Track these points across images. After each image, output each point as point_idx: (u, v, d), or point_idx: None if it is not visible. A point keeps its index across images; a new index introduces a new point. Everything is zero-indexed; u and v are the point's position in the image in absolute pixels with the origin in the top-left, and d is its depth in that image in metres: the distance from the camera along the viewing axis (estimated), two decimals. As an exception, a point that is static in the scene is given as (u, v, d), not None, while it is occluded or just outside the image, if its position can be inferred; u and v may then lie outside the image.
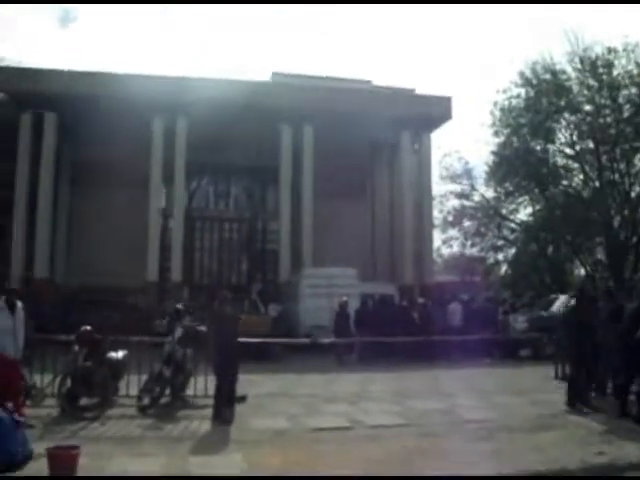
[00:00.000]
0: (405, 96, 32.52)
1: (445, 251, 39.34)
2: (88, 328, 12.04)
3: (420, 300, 23.48)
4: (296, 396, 13.67)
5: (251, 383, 14.16)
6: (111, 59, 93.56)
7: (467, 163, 37.68)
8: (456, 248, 37.81)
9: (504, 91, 34.47)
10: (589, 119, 34.03)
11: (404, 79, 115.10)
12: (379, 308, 22.34)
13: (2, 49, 31.99)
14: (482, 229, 36.72)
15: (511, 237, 37.07)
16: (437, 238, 36.86)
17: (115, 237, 31.82)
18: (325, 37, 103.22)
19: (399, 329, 20.03)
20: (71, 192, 34.06)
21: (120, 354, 12.47)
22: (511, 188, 35.44)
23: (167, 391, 11.97)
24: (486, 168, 36.22)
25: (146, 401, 11.64)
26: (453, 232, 37.11)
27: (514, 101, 34.54)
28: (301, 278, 25.47)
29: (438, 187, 44.13)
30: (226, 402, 10.96)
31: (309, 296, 24.35)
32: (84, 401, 11.35)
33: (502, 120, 34.85)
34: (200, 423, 10.70)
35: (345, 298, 21.61)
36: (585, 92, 34.14)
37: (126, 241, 31.00)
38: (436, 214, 35.99)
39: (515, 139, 34.62)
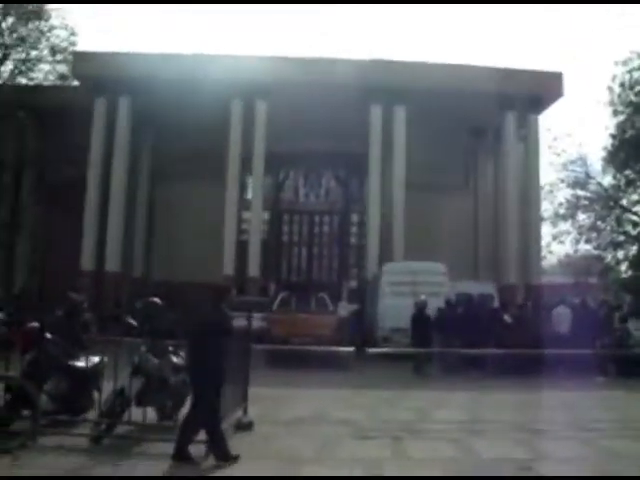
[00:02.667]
0: (508, 73, 27.94)
1: (556, 248, 33.82)
2: (33, 325, 8.83)
3: (517, 301, 18.95)
4: (329, 423, 10.01)
5: (286, 400, 11.58)
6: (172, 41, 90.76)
7: (581, 146, 32.45)
8: (568, 245, 32.17)
9: (624, 63, 29.07)
10: None
11: (503, 58, 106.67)
12: (464, 310, 18.05)
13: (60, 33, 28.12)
14: (599, 223, 31.13)
15: (633, 232, 31.35)
16: (547, 233, 31.55)
17: (196, 230, 29.44)
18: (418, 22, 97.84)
19: (487, 336, 15.89)
20: (151, 182, 31.58)
21: (94, 360, 9.09)
22: (633, 175, 29.93)
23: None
24: (603, 153, 30.72)
25: (103, 427, 8.25)
26: (565, 226, 31.49)
27: (636, 74, 29.09)
28: (381, 274, 21.55)
29: (548, 176, 39.33)
30: (191, 436, 7.52)
31: (390, 294, 20.41)
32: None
33: (622, 97, 29.42)
34: (156, 464, 7.24)
35: (423, 297, 17.65)
36: None
37: (206, 234, 28.28)
38: (546, 206, 30.95)
39: (638, 119, 29.15)
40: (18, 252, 30.74)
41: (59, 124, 28.62)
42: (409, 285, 20.08)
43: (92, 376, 9.05)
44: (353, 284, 32.15)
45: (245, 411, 9.32)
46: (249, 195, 30.94)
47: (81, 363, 8.99)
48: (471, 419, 10.62)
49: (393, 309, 19.34)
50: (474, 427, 9.92)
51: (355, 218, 34.17)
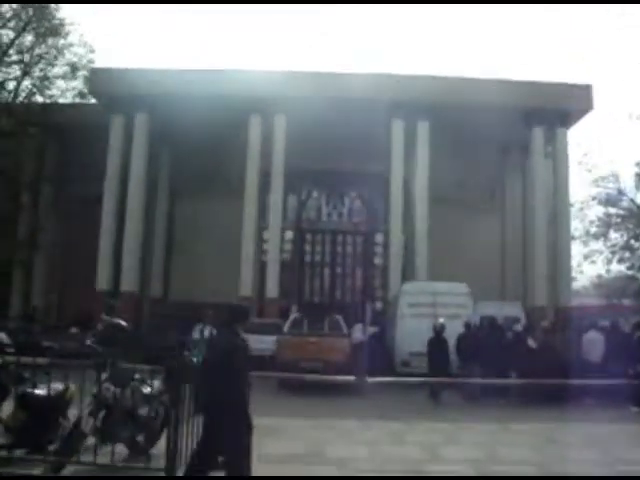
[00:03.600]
0: (535, 86, 26.64)
1: (588, 268, 32.07)
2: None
3: (544, 324, 17.41)
4: (323, 462, 8.74)
5: (283, 432, 10.40)
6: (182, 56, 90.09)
7: (612, 162, 30.65)
8: (600, 264, 30.39)
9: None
10: None
11: (529, 71, 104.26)
12: (485, 334, 16.65)
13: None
14: (632, 241, 29.45)
15: (668, 251, 29.79)
16: (578, 253, 29.88)
17: (216, 249, 28.39)
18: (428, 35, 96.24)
19: (509, 362, 14.53)
20: (170, 200, 30.70)
21: (58, 387, 7.96)
22: (667, 192, 28.47)
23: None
24: (636, 169, 29.07)
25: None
26: (597, 245, 29.86)
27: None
28: (400, 294, 20.25)
29: (578, 193, 37.71)
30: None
31: (409, 316, 19.11)
32: None
33: (656, 109, 28.02)
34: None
35: (442, 320, 16.33)
36: None
37: (226, 254, 27.17)
38: (576, 224, 29.35)
39: (673, 132, 27.65)
40: (36, 271, 30.00)
41: (77, 142, 28.20)
42: (429, 306, 18.81)
43: (55, 405, 7.95)
44: (379, 306, 30.86)
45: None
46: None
47: (41, 391, 7.90)
48: (486, 457, 9.29)
49: (412, 332, 18.05)
50: (487, 468, 8.58)
51: (379, 238, 32.88)
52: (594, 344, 16.06)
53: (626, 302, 30.97)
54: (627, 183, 30.57)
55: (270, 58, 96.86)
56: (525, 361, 14.96)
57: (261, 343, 19.32)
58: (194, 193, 29.86)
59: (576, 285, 39.48)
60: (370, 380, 10.79)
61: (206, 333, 14.74)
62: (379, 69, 76.24)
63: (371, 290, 32.15)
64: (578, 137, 72.87)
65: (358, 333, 19.01)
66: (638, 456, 9.65)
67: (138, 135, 27.17)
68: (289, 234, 32.78)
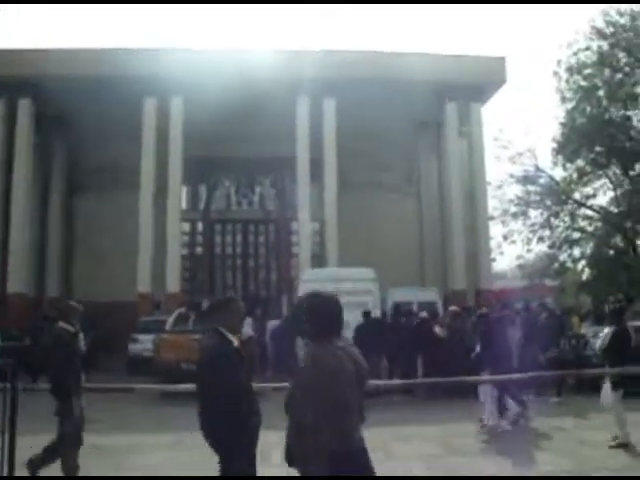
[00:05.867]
0: (448, 59, 25.04)
1: (508, 249, 30.55)
2: None
3: (452, 308, 15.56)
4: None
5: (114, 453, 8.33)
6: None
7: (528, 137, 29.28)
8: (520, 245, 28.86)
9: (569, 45, 26.09)
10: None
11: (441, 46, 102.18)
12: (383, 323, 14.82)
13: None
14: (552, 219, 28.09)
15: (589, 228, 28.45)
16: (497, 233, 28.37)
17: (118, 245, 25.90)
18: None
19: (414, 352, 12.76)
20: (67, 194, 28.19)
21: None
22: (585, 167, 27.00)
23: None
24: (553, 145, 27.64)
25: None
26: (516, 225, 28.33)
27: (583, 56, 25.96)
28: (299, 283, 18.30)
29: (495, 171, 36.47)
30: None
31: (311, 307, 17.12)
32: None
33: (570, 82, 26.47)
34: None
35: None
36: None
37: (128, 250, 24.71)
38: (495, 204, 27.82)
39: (587, 105, 26.13)
40: None
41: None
42: (331, 295, 16.90)
43: None
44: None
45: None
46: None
47: None
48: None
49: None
50: None
51: (295, 226, 30.95)
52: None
53: (548, 282, 29.74)
54: (544, 159, 29.24)
55: (171, 37, 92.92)
56: (430, 351, 13.19)
57: (139, 343, 17.29)
58: (95, 186, 27.48)
59: (500, 267, 38.39)
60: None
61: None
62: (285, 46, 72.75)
63: (288, 281, 30.11)
64: (493, 113, 72.27)
65: (247, 327, 16.85)
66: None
67: (22, 121, 24.53)
68: (200, 226, 30.66)
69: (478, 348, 10.46)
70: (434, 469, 7.65)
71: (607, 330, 9.39)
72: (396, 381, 12.48)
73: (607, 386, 8.79)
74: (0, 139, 24.44)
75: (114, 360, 19.10)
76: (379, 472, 3.63)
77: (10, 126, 24.57)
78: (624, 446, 8.40)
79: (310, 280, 18.01)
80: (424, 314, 15.24)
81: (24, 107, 24.58)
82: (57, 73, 23.66)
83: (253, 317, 17.92)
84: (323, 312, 3.69)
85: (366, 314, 14.62)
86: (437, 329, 14.17)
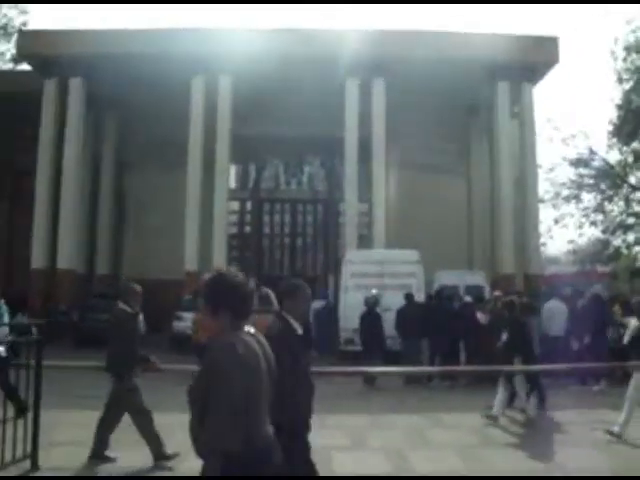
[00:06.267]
0: (499, 38, 24.41)
1: (559, 233, 29.79)
2: None
3: (496, 293, 15.24)
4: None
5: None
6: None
7: (582, 119, 28.30)
8: (572, 229, 28.10)
9: (627, 22, 25.21)
10: None
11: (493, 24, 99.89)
12: (425, 306, 14.58)
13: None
14: (606, 203, 27.29)
15: (645, 213, 27.56)
16: (548, 217, 27.77)
17: (167, 223, 26.06)
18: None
19: (456, 338, 12.54)
20: (118, 173, 28.48)
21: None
22: (641, 149, 26.17)
23: None
24: (609, 127, 26.78)
25: None
26: (568, 208, 27.68)
27: (641, 35, 25.23)
28: (343, 264, 18.14)
29: (547, 153, 35.59)
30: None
31: (353, 288, 17.00)
32: None
33: (627, 61, 25.59)
34: None
35: (375, 292, 14.29)
36: None
37: (176, 228, 24.86)
38: (547, 187, 27.16)
39: (646, 86, 25.28)
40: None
41: (10, 111, 25.71)
42: (376, 277, 16.75)
43: None
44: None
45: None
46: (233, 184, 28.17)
47: None
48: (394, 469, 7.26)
49: (356, 305, 15.76)
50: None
51: (343, 207, 30.77)
52: (554, 315, 13.93)
53: (600, 268, 29.02)
54: (599, 143, 28.43)
55: (216, 17, 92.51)
56: (472, 337, 12.95)
57: (182, 321, 17.35)
58: (145, 165, 27.71)
59: (551, 252, 37.63)
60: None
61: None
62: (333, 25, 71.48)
63: (335, 262, 29.97)
64: (546, 95, 70.41)
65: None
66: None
67: (73, 100, 24.81)
68: (249, 205, 30.78)
69: (504, 336, 10.19)
70: (467, 460, 7.47)
71: (634, 322, 9.04)
72: (428, 368, 12.16)
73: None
74: (52, 117, 24.70)
75: (161, 338, 19.29)
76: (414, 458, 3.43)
77: (62, 105, 24.85)
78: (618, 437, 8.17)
79: (354, 261, 17.94)
80: (468, 298, 14.98)
81: (75, 86, 24.85)
82: (108, 52, 23.81)
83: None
84: (234, 295, 3.30)
85: (408, 297, 14.39)
86: (479, 315, 13.84)
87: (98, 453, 6.98)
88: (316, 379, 4.78)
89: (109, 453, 7.04)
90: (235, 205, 29.53)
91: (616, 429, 8.28)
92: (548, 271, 30.07)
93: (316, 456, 4.62)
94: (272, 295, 15.99)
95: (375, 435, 8.64)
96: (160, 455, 7.01)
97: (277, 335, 4.39)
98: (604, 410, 9.81)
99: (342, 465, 7.12)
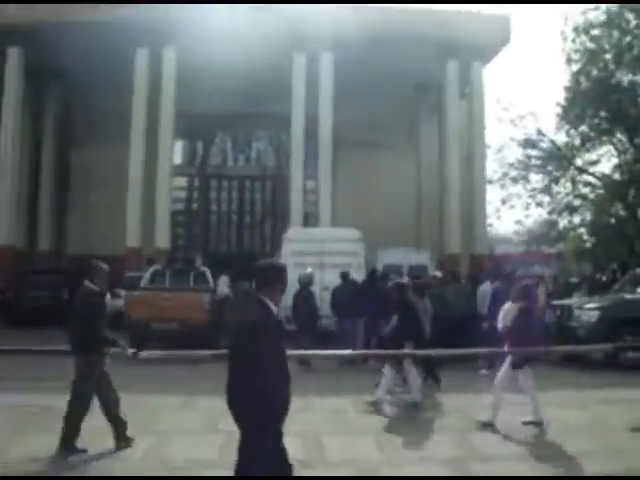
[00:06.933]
0: (450, 15, 24.12)
1: (508, 213, 30.00)
2: None
3: (434, 274, 15.03)
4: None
5: None
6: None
7: (531, 100, 28.34)
8: (519, 209, 28.15)
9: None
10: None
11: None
12: (364, 286, 14.25)
13: None
14: (553, 185, 27.36)
15: (590, 195, 27.67)
16: (496, 197, 27.74)
17: (112, 199, 25.28)
18: None
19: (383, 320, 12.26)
20: (60, 147, 27.61)
21: None
22: (589, 133, 26.14)
23: None
24: (557, 109, 26.77)
25: None
26: (516, 189, 27.68)
27: (591, 16, 25.08)
28: (283, 242, 17.74)
29: (496, 133, 35.82)
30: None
31: (292, 266, 16.48)
32: None
33: (576, 42, 25.50)
34: None
35: (310, 270, 13.93)
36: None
37: (117, 203, 24.25)
38: (495, 168, 27.12)
39: (594, 68, 25.15)
40: None
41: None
42: (316, 255, 16.38)
43: None
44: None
45: None
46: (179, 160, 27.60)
47: None
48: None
49: (295, 284, 15.48)
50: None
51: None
52: (485, 298, 13.70)
53: (546, 249, 29.16)
54: (548, 125, 28.45)
55: None
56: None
57: (120, 299, 16.80)
58: (90, 139, 26.79)
59: (502, 232, 37.77)
60: (143, 355, 7.97)
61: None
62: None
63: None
64: (496, 75, 70.60)
65: (223, 286, 16.34)
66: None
67: (11, 70, 23.87)
68: (196, 182, 30.26)
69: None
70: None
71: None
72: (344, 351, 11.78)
73: None
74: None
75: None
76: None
77: (-1, 76, 23.94)
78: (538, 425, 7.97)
79: (293, 239, 17.54)
80: (405, 279, 14.65)
81: (13, 55, 23.92)
82: (49, 21, 22.88)
83: (229, 275, 17.44)
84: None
85: (344, 276, 14.07)
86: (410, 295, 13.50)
87: (67, 444, 6.57)
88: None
89: (78, 444, 6.63)
90: (182, 181, 28.96)
91: (528, 418, 8.07)
92: (498, 250, 30.19)
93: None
94: (208, 273, 15.61)
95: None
96: (122, 437, 6.82)
97: (257, 321, 4.22)
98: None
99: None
